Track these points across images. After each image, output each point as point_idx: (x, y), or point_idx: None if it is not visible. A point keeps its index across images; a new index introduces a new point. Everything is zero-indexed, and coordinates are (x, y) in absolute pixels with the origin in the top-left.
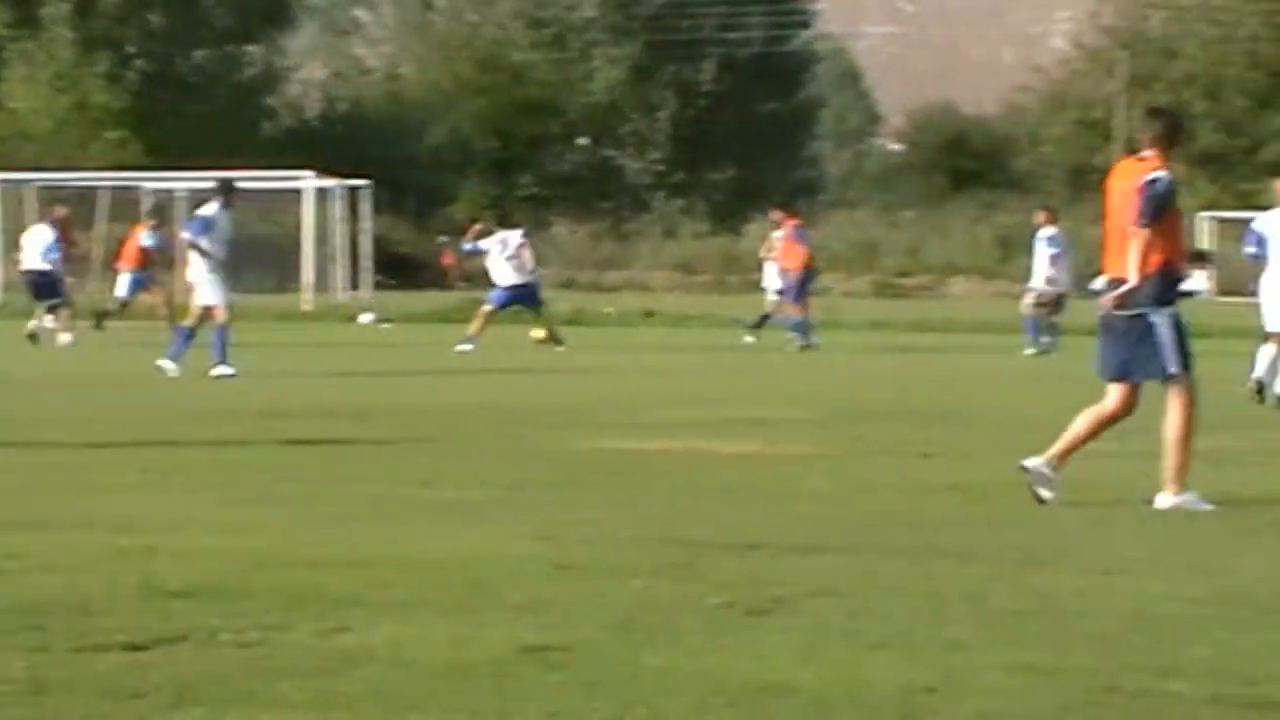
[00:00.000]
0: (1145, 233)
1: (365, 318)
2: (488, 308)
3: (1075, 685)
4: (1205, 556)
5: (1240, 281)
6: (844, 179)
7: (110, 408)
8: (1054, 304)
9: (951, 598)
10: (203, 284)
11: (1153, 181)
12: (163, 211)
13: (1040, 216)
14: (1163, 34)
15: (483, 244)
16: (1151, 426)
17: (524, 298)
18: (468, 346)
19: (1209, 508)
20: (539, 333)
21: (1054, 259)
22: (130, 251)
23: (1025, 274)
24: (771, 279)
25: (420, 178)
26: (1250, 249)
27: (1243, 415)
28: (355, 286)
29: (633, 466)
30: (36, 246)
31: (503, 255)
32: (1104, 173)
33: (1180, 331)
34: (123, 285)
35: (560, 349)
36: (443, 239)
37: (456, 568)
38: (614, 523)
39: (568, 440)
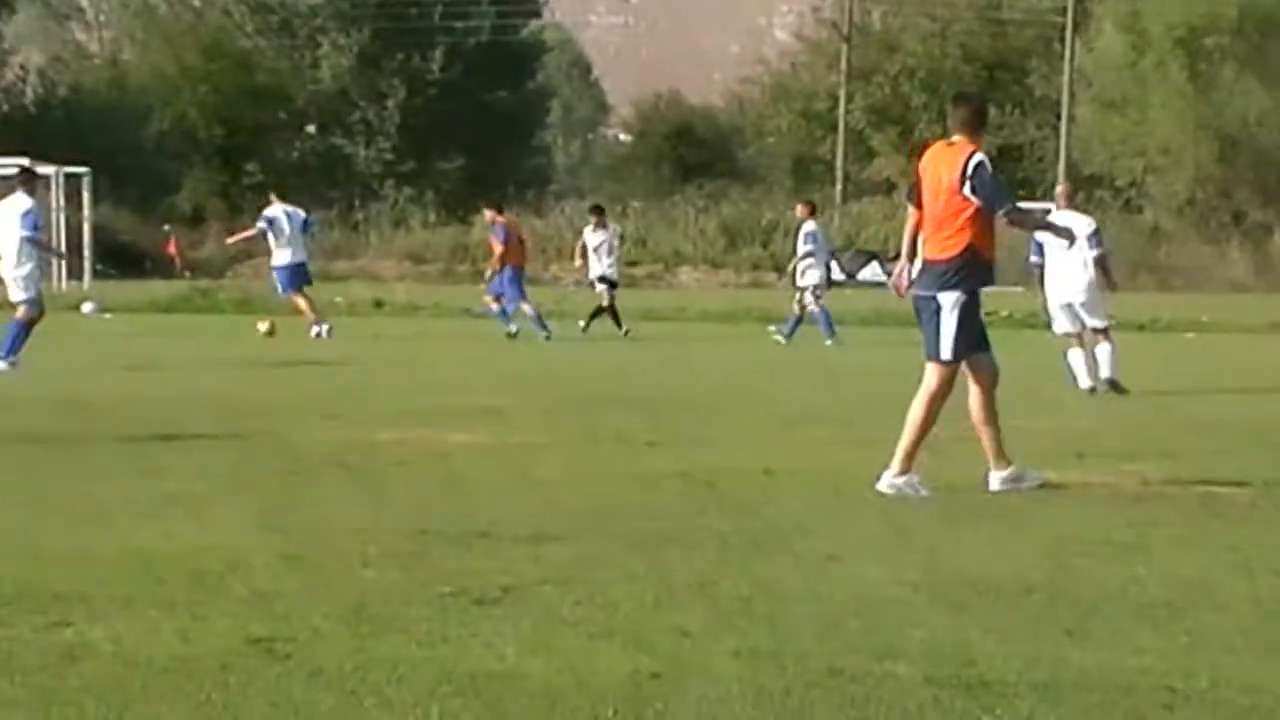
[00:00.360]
0: (1017, 213)
1: (86, 308)
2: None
3: (798, 669)
4: (922, 541)
5: None
6: (573, 169)
7: None
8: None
9: (679, 585)
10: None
11: (981, 164)
12: None
13: (801, 210)
14: (883, 27)
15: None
16: (873, 416)
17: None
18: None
19: (922, 492)
20: (265, 325)
21: (813, 254)
22: None
23: (748, 263)
24: (595, 269)
25: (143, 165)
26: (1033, 257)
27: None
28: (75, 276)
29: (362, 457)
30: None
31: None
32: (827, 164)
33: (972, 319)
34: None
35: (321, 329)
36: (167, 228)
37: (180, 561)
38: (343, 513)
39: (296, 432)
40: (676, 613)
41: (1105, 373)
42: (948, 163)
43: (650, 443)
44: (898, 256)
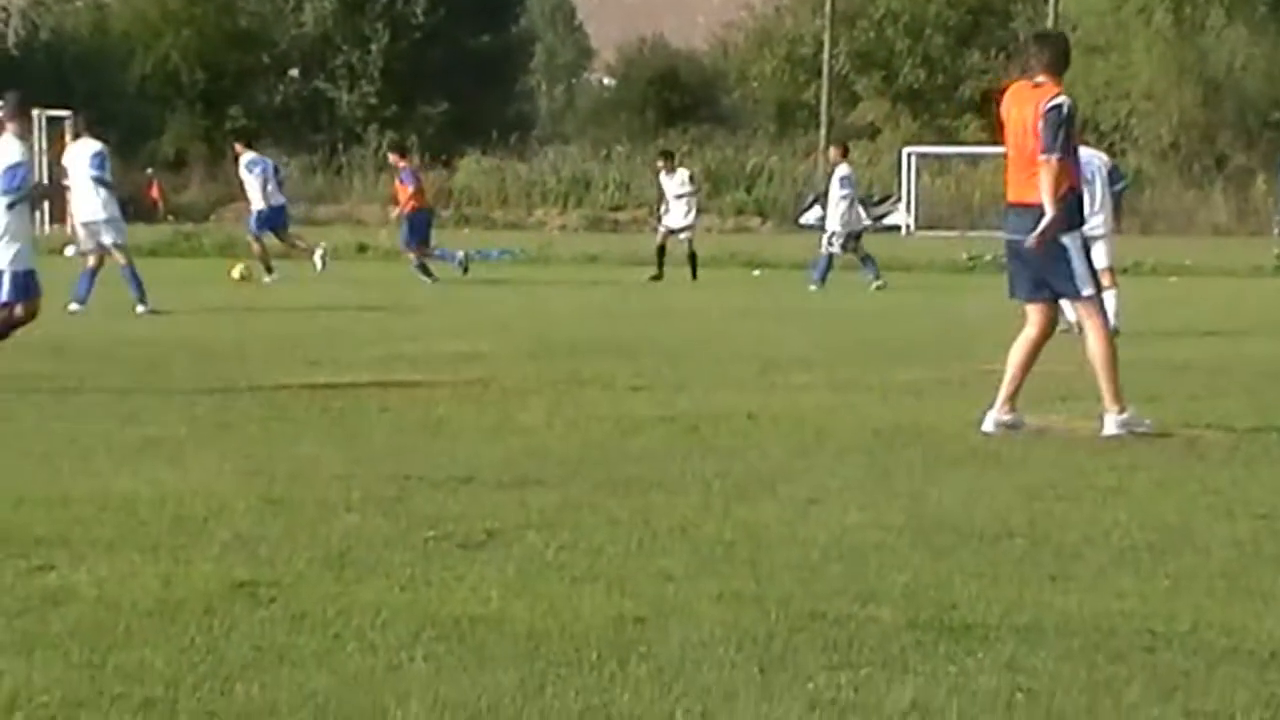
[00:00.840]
0: (1054, 160)
1: (70, 251)
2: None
3: (780, 613)
4: (904, 486)
5: (937, 216)
6: (557, 114)
7: None
8: (857, 239)
9: (662, 530)
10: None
11: (1056, 108)
12: None
13: (834, 153)
14: None
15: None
16: (855, 360)
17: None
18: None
19: (1148, 425)
20: (239, 270)
21: (847, 199)
22: None
23: (731, 208)
24: (675, 218)
25: (126, 110)
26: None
27: (940, 346)
28: (58, 220)
29: (345, 402)
30: None
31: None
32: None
33: (1088, 254)
34: None
35: (269, 280)
36: (149, 172)
37: (162, 505)
38: (325, 458)
39: (278, 376)
40: (659, 557)
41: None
42: (1031, 103)
43: (633, 388)
44: (883, 200)
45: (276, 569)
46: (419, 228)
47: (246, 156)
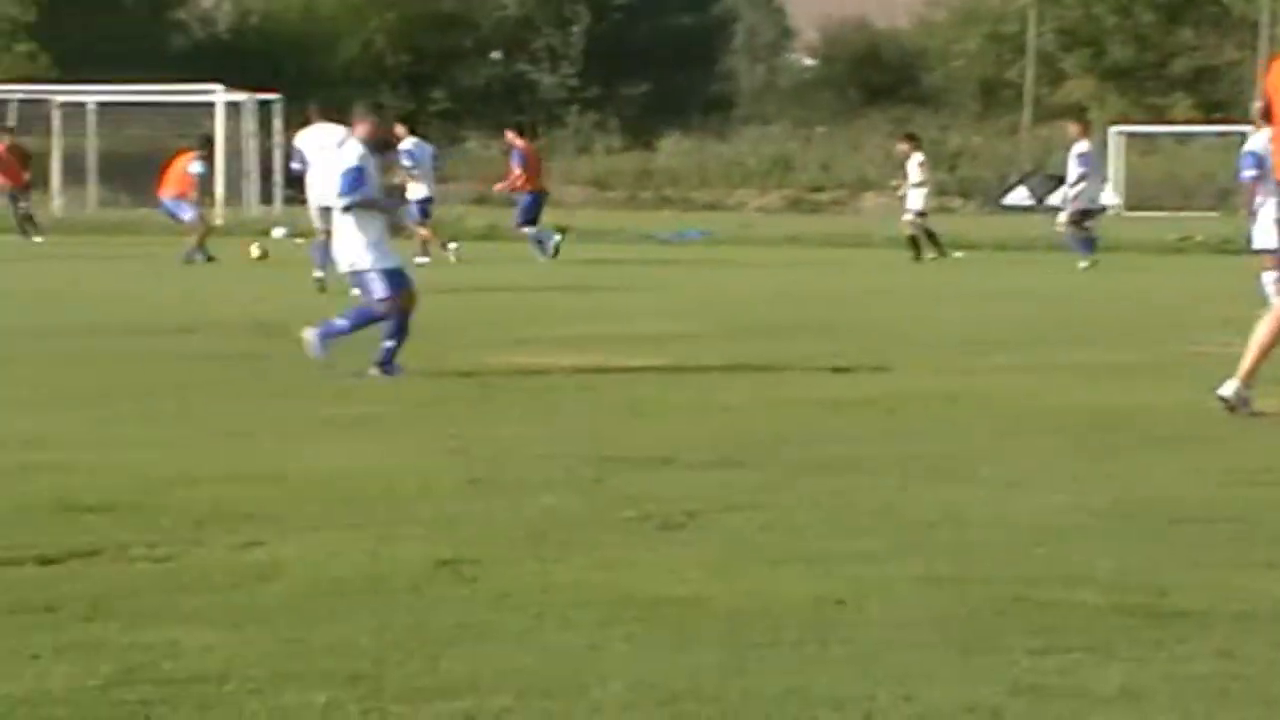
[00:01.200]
0: None
1: (277, 232)
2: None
3: (983, 595)
4: (1108, 468)
5: (1146, 197)
6: (757, 94)
7: (17, 323)
8: (1088, 217)
9: (862, 511)
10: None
11: None
12: (209, 141)
13: (1073, 129)
14: None
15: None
16: (1056, 341)
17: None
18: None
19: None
20: (256, 249)
21: (1085, 176)
22: (179, 179)
23: (934, 189)
24: (914, 201)
25: (332, 92)
26: (1247, 172)
27: (1148, 328)
28: (267, 201)
29: (545, 382)
30: None
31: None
32: (1015, 87)
33: None
34: (186, 212)
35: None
36: None
37: (368, 482)
38: (526, 438)
39: (479, 356)
40: (860, 538)
41: None
42: None
43: (834, 369)
44: (1026, 180)
45: (478, 547)
46: (529, 208)
47: (407, 141)
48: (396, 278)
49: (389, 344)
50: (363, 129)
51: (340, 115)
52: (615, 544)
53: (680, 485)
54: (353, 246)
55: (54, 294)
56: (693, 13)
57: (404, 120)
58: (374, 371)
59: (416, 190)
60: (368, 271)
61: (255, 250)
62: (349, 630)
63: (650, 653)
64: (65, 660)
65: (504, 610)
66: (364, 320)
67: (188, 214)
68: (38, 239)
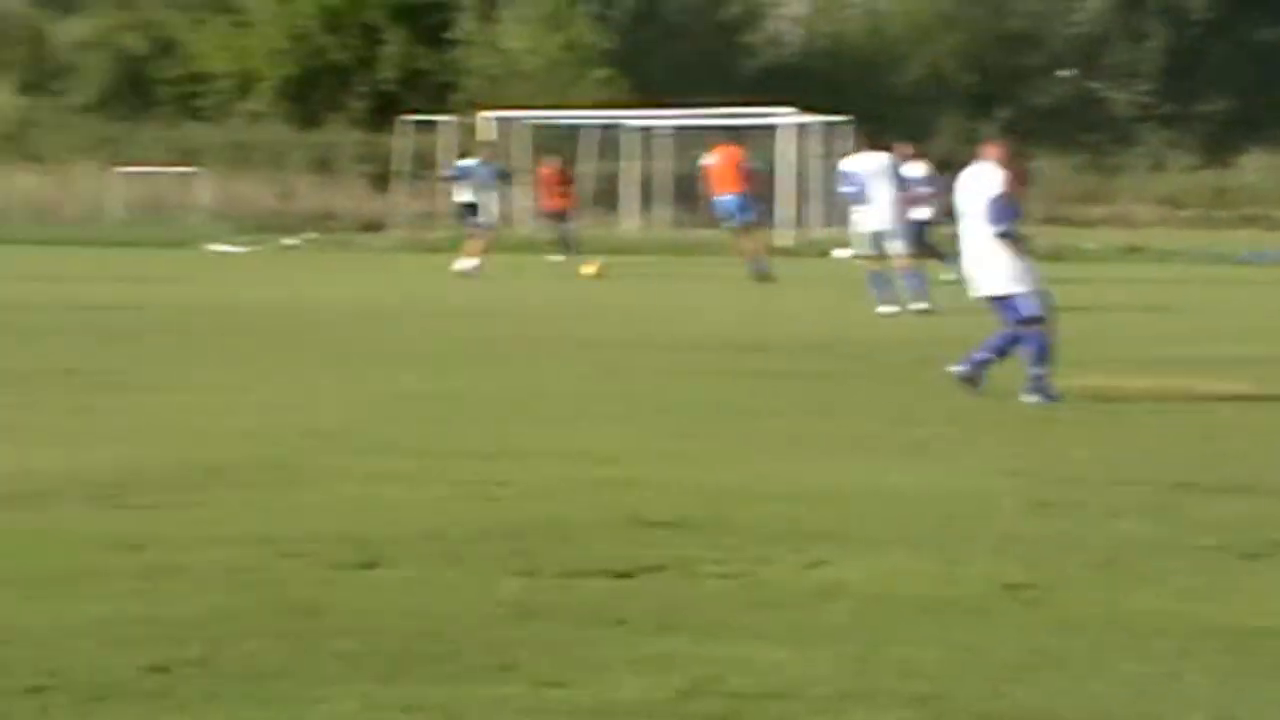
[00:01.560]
0: None
1: (841, 253)
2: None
3: None
4: None
5: None
6: None
7: (580, 338)
8: None
9: None
10: None
11: None
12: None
13: None
14: None
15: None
16: None
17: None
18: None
19: None
20: (592, 267)
21: None
22: (728, 176)
23: None
24: None
25: (898, 113)
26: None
27: None
28: (835, 222)
29: (1114, 404)
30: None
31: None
32: None
33: None
34: (747, 212)
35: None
36: None
37: (931, 503)
38: (1093, 461)
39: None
40: None
41: None
42: None
43: None
44: None
45: (1045, 572)
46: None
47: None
48: (1044, 299)
49: (1036, 370)
50: (996, 154)
51: (887, 143)
52: (1192, 572)
53: (1262, 513)
54: (999, 271)
55: (642, 310)
56: (1276, 28)
57: (912, 141)
58: (1031, 399)
59: (919, 211)
60: (1017, 294)
61: (589, 269)
62: (912, 651)
63: (1234, 684)
64: (636, 672)
65: (1071, 636)
66: (1007, 344)
67: (748, 214)
68: (557, 258)
